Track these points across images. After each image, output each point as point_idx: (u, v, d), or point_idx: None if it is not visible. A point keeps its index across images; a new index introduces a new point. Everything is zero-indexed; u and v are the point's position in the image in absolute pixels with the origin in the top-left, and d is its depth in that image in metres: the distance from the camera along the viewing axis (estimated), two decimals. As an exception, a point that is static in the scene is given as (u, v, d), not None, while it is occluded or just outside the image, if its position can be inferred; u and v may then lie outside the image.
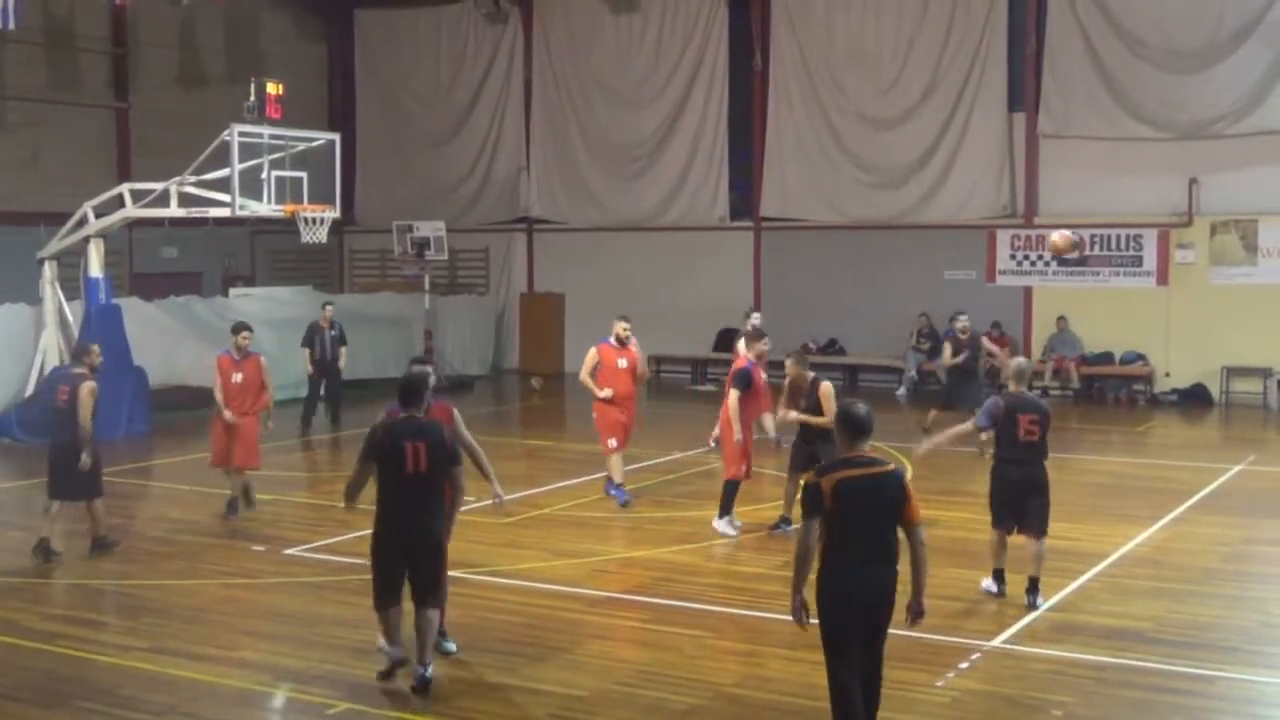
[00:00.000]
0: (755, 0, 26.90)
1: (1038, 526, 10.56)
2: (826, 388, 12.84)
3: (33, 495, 16.23)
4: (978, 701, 8.46)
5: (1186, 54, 23.27)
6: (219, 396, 14.08)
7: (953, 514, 14.02)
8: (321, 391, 21.02)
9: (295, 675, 9.05)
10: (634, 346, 14.87)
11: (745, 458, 13.27)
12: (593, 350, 14.95)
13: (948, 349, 18.37)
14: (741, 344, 14.47)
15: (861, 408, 7.24)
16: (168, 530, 13.68)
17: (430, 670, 8.67)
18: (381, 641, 8.90)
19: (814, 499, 7.00)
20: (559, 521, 14.09)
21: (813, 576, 7.15)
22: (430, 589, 8.69)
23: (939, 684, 8.74)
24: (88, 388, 12.29)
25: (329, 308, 21.28)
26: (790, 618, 7.28)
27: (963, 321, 18.20)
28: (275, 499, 15.05)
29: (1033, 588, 10.55)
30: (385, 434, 8.66)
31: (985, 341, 19.31)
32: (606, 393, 14.58)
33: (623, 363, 14.74)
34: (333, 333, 20.85)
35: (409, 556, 8.64)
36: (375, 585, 8.76)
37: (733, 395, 13.07)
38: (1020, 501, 10.56)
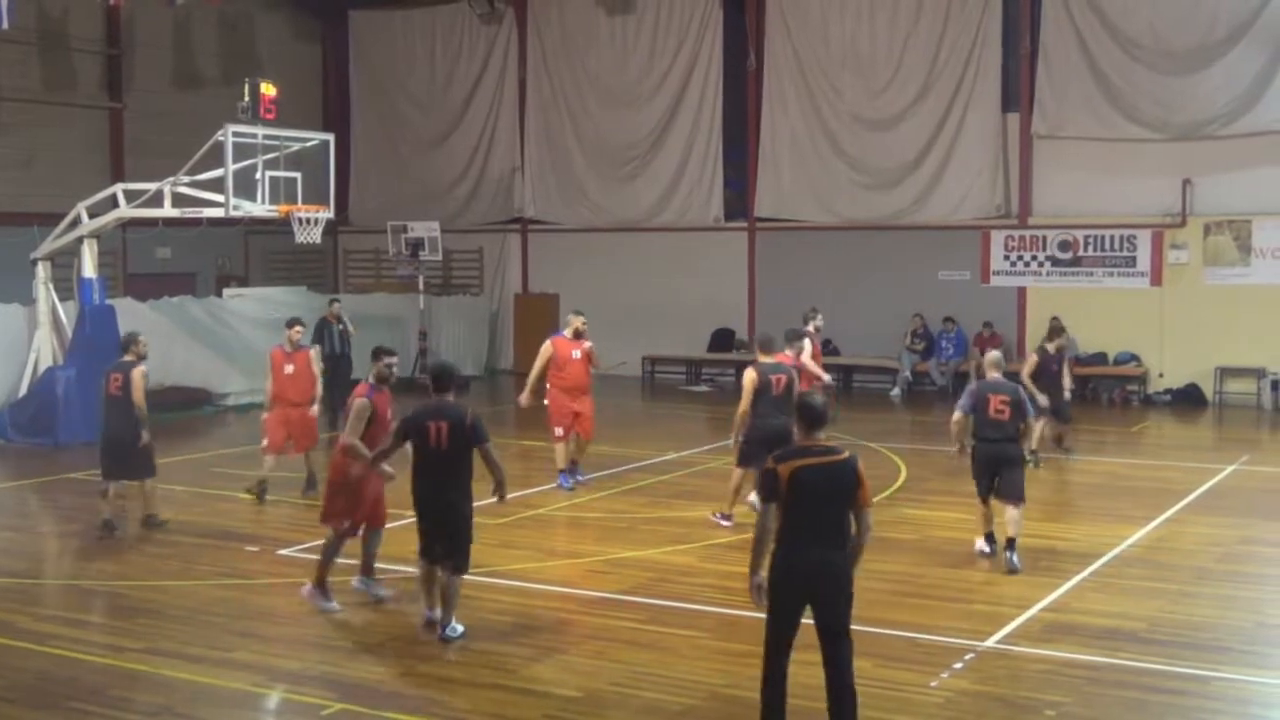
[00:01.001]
0: (750, 1, 26.91)
1: (1014, 495, 11.72)
2: (745, 374, 13.43)
3: (26, 495, 16.25)
4: (971, 702, 8.46)
5: (1180, 55, 23.29)
6: (270, 388, 15.04)
7: (949, 514, 14.03)
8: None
9: (290, 676, 9.04)
10: (586, 339, 15.61)
11: None
12: (547, 343, 15.66)
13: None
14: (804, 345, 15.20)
15: (818, 399, 7.68)
16: (161, 531, 13.63)
17: (453, 628, 9.67)
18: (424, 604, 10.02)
19: (771, 485, 7.36)
20: (554, 522, 14.09)
21: None
22: (448, 553, 9.62)
23: (933, 684, 8.74)
24: (139, 371, 13.29)
25: (336, 304, 21.62)
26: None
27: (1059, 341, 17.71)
28: (271, 499, 15.04)
29: (1010, 546, 11.65)
30: (412, 415, 9.66)
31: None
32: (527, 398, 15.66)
33: (576, 354, 15.50)
34: (340, 327, 21.06)
35: (436, 525, 9.67)
36: (420, 541, 9.90)
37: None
38: (996, 473, 11.80)
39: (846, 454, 7.53)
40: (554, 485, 15.55)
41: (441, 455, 9.55)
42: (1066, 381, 17.75)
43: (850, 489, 7.42)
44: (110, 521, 13.38)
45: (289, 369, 15.01)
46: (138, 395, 13.27)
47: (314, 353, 15.66)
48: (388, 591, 10.91)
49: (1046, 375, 17.04)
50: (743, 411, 13.04)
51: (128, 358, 13.53)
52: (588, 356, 15.56)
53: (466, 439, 9.58)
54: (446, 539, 9.64)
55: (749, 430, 13.01)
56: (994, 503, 11.92)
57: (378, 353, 10.97)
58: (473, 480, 9.78)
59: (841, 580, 7.41)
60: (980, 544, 12.19)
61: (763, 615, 7.56)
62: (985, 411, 11.78)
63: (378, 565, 11.03)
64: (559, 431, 15.44)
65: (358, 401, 10.44)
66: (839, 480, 7.40)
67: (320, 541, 12.73)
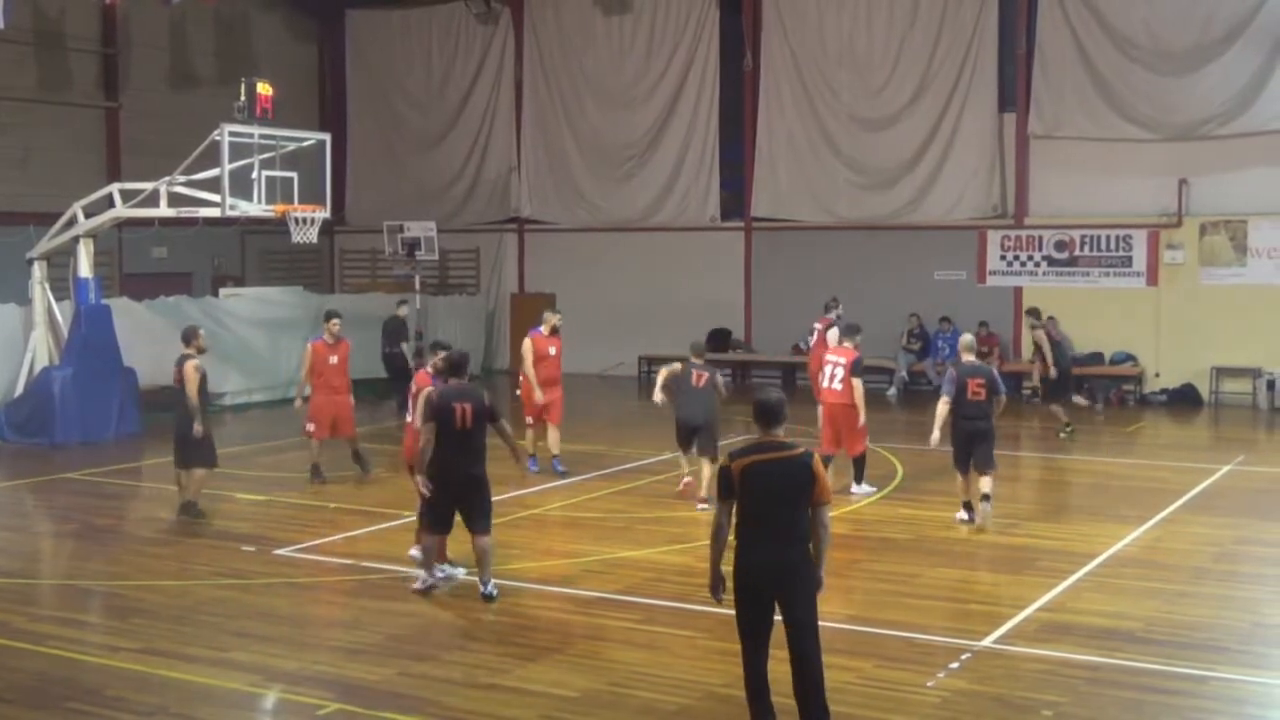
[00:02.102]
0: (746, 1, 26.92)
1: (987, 465, 13.39)
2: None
3: (22, 495, 16.24)
4: (968, 702, 8.46)
5: (1176, 55, 23.31)
6: (306, 379, 16.02)
7: (945, 514, 14.03)
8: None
9: (286, 676, 9.03)
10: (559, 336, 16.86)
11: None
12: (527, 341, 16.59)
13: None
14: (834, 336, 15.96)
15: (773, 395, 7.65)
16: (158, 531, 13.65)
17: (491, 587, 10.61)
18: (420, 564, 10.98)
19: (725, 482, 7.46)
20: (550, 522, 14.09)
21: None
22: (477, 518, 10.58)
23: (929, 684, 8.74)
24: (191, 365, 13.58)
25: (404, 305, 22.99)
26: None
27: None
28: (268, 499, 15.04)
29: (985, 499, 13.22)
30: (439, 398, 10.57)
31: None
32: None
33: (552, 350, 16.58)
34: (408, 328, 22.62)
35: (463, 492, 10.55)
36: (430, 516, 10.75)
37: (858, 383, 14.65)
38: (972, 448, 13.33)
39: (802, 450, 7.52)
40: (552, 486, 15.58)
41: (466, 434, 10.47)
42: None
43: (805, 485, 7.39)
44: (190, 503, 13.82)
45: (333, 359, 15.99)
46: (189, 388, 13.60)
47: (349, 344, 16.50)
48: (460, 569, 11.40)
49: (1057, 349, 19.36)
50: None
51: (187, 351, 13.79)
52: (558, 356, 16.74)
53: (486, 417, 10.62)
54: (475, 508, 10.60)
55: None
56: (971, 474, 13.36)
57: (434, 346, 12.22)
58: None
59: (799, 576, 7.38)
60: (961, 514, 13.54)
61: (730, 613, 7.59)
62: (964, 393, 13.27)
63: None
64: (529, 420, 16.54)
65: (425, 391, 11.22)
66: (793, 477, 7.39)
67: (313, 542, 12.76)
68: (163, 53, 27.91)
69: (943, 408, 13.34)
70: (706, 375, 14.56)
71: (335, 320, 16.27)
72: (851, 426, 14.82)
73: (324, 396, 15.96)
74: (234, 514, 14.38)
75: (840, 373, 14.76)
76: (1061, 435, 19.54)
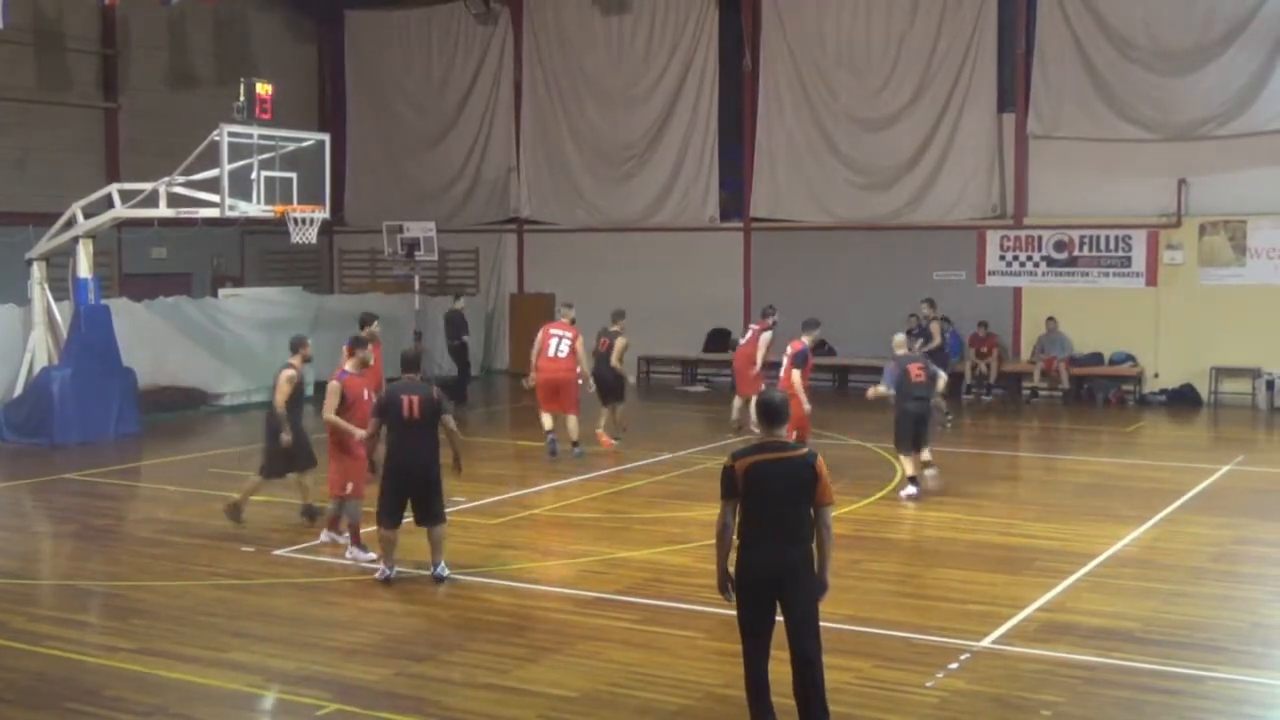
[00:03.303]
0: (746, 1, 26.92)
1: (928, 440, 15.00)
2: None
3: (21, 496, 16.23)
4: (967, 702, 8.47)
5: (1175, 55, 23.31)
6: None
7: (944, 514, 14.05)
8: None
9: (285, 676, 9.03)
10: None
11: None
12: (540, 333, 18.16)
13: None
14: (766, 340, 18.99)
15: (776, 395, 7.72)
16: (156, 531, 13.64)
17: (443, 568, 11.19)
18: (377, 559, 11.41)
19: (729, 482, 7.44)
20: (549, 522, 14.09)
21: None
22: (434, 513, 11.11)
23: (928, 684, 8.74)
24: (284, 375, 13.22)
25: (462, 300, 24.24)
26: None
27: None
28: (267, 500, 15.04)
29: (928, 466, 14.87)
30: (388, 393, 11.22)
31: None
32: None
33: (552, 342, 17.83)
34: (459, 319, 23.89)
35: (419, 487, 11.07)
36: (382, 508, 11.11)
37: (795, 373, 15.68)
38: (916, 429, 14.83)
39: (805, 450, 7.55)
40: (552, 486, 15.61)
41: (415, 424, 10.96)
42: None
43: (808, 485, 7.40)
44: (309, 506, 13.59)
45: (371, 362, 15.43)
46: (277, 396, 13.21)
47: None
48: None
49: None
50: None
51: (291, 359, 13.37)
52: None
53: (435, 411, 11.05)
54: (426, 499, 11.08)
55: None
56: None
57: (360, 341, 12.77)
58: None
59: (801, 576, 7.39)
60: (909, 489, 14.72)
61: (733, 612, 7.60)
62: (908, 379, 14.83)
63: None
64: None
65: (331, 384, 12.23)
66: (795, 476, 7.40)
67: (311, 542, 12.76)
68: (162, 53, 27.91)
69: (882, 390, 15.19)
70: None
71: (375, 323, 15.75)
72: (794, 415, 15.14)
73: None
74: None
75: (784, 362, 16.03)
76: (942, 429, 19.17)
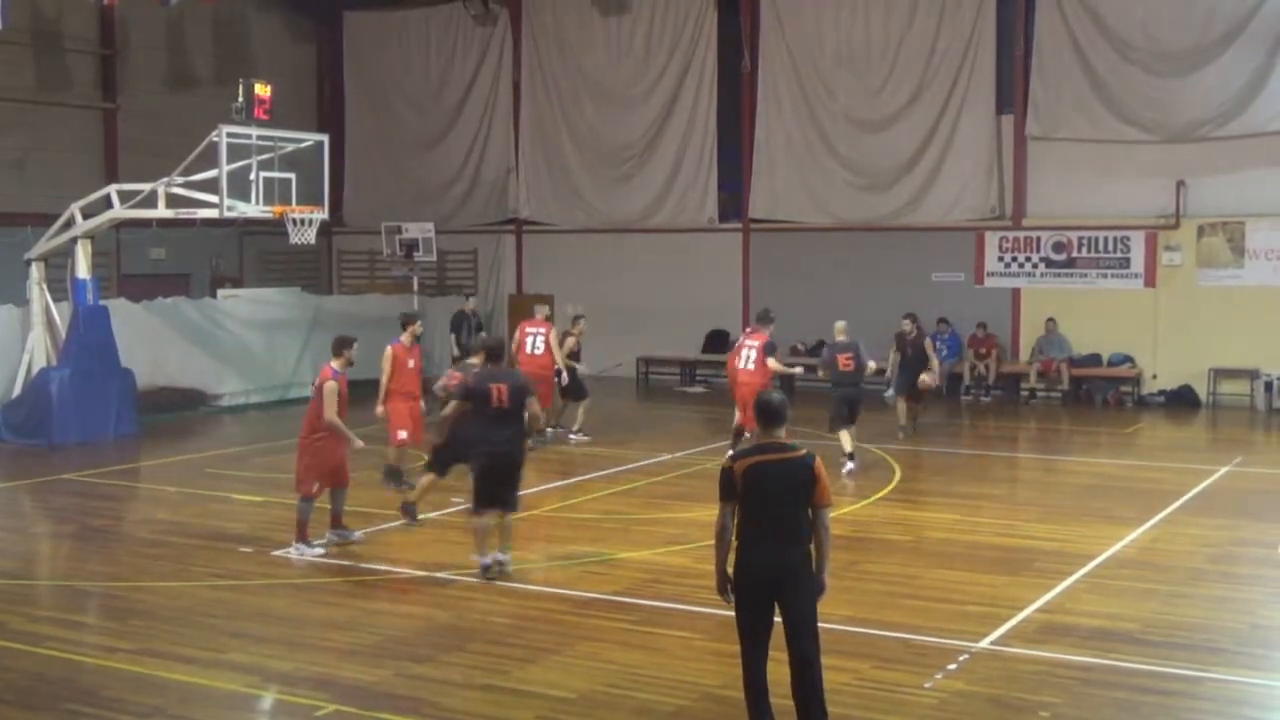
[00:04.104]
0: (744, 2, 26.92)
1: (855, 421, 16.70)
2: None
3: (20, 496, 16.21)
4: (965, 703, 8.47)
5: (1174, 56, 23.32)
6: (387, 383, 15.10)
7: (943, 515, 14.06)
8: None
9: (283, 677, 9.03)
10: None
11: None
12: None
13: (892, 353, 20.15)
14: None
15: (775, 396, 7.71)
16: (155, 532, 13.63)
17: (508, 558, 11.42)
18: (475, 555, 11.43)
19: (727, 483, 7.45)
20: (548, 523, 14.08)
21: None
22: (514, 500, 11.40)
23: (926, 685, 8.75)
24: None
25: (472, 299, 23.99)
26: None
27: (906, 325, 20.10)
28: (265, 500, 15.05)
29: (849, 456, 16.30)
30: (476, 380, 11.43)
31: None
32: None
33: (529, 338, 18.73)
34: (475, 320, 22.96)
35: (505, 472, 11.30)
36: (478, 497, 11.33)
37: (771, 360, 16.39)
38: (848, 410, 16.58)
39: (804, 451, 7.55)
40: (551, 486, 15.64)
41: (504, 412, 11.16)
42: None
43: (806, 486, 7.41)
44: (410, 506, 13.63)
45: (411, 363, 15.40)
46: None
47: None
48: (359, 534, 12.66)
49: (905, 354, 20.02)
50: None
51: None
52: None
53: (522, 398, 11.29)
54: (513, 485, 11.38)
55: None
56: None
57: (349, 341, 12.75)
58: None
59: (800, 577, 7.40)
60: (849, 464, 16.22)
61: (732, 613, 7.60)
62: (837, 367, 16.67)
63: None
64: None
65: (328, 384, 12.17)
66: (794, 478, 7.41)
67: (317, 541, 12.76)
68: (161, 54, 27.90)
69: (804, 368, 18.01)
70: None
71: (417, 322, 15.95)
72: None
73: (403, 402, 15.14)
74: (231, 515, 14.38)
75: (754, 354, 16.42)
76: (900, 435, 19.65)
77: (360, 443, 12.32)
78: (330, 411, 12.18)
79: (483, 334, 22.24)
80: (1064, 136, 24.33)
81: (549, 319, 19.09)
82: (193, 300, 24.43)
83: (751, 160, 27.05)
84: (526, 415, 11.47)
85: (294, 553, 12.37)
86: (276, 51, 29.79)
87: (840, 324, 17.35)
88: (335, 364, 12.52)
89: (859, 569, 11.71)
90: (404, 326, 15.60)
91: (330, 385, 12.24)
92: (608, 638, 9.85)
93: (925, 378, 19.54)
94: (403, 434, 15.09)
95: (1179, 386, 23.75)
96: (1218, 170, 23.32)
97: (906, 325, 20.10)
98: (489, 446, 11.22)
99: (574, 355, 19.39)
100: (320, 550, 12.38)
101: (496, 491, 11.25)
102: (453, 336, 22.78)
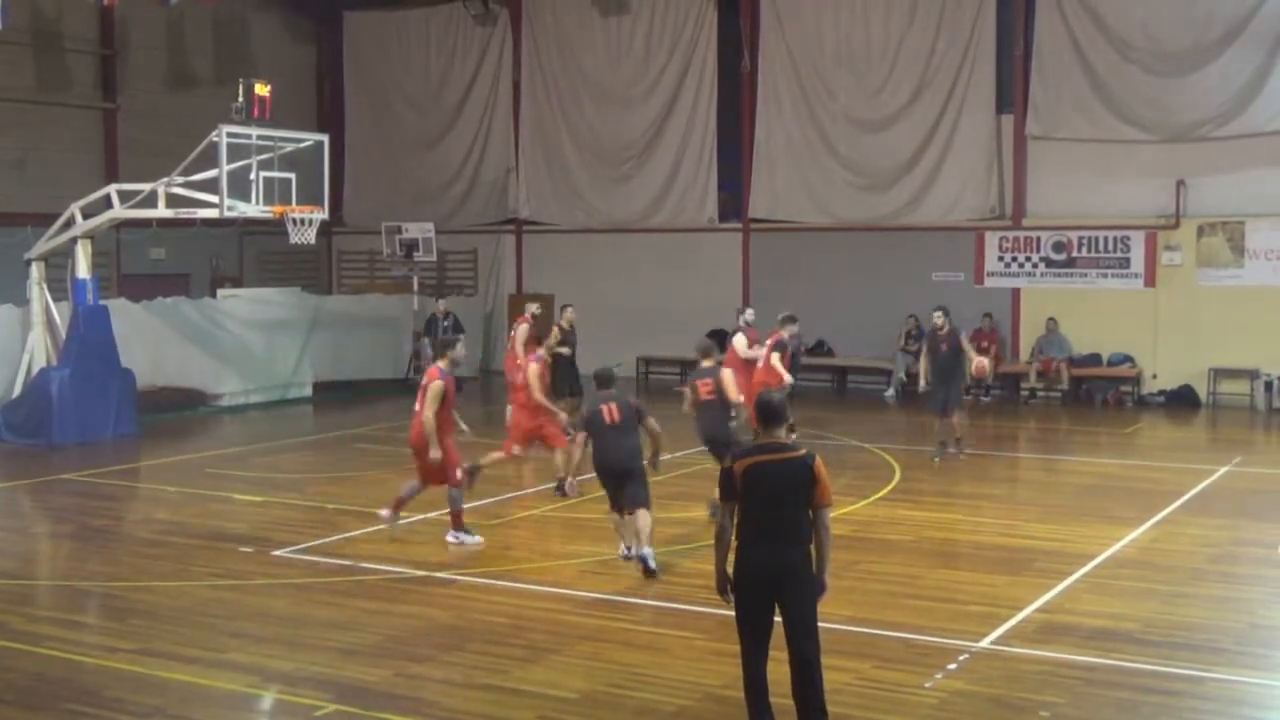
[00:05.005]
0: (744, 2, 26.92)
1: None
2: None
3: (20, 496, 16.20)
4: (966, 702, 8.47)
5: (1174, 56, 23.31)
6: (541, 394, 15.03)
7: (943, 515, 14.05)
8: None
9: (283, 677, 9.02)
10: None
11: None
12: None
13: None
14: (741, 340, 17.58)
15: (775, 396, 7.73)
16: (155, 532, 13.63)
17: (647, 553, 11.52)
18: (621, 547, 12.15)
19: (728, 483, 7.47)
20: (549, 523, 14.08)
21: None
22: (630, 498, 11.87)
23: (927, 685, 8.74)
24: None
25: (442, 302, 23.54)
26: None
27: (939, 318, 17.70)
28: (265, 500, 15.04)
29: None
30: (589, 405, 12.35)
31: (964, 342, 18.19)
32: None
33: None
34: (446, 323, 22.59)
35: (616, 478, 11.95)
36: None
37: (775, 356, 16.25)
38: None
39: (804, 451, 7.55)
40: (550, 486, 15.62)
41: (616, 427, 11.87)
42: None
43: (806, 486, 7.40)
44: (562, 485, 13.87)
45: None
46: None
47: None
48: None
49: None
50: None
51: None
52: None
53: (633, 416, 12.03)
54: (627, 488, 11.91)
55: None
56: None
57: (451, 343, 13.08)
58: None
59: (800, 577, 7.39)
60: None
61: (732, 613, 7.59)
62: (698, 393, 14.06)
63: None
64: None
65: (434, 384, 12.40)
66: (794, 478, 7.41)
67: (310, 543, 12.77)
68: (161, 54, 27.91)
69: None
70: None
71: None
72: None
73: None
74: (231, 515, 14.37)
75: (763, 353, 16.40)
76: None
77: (438, 453, 12.42)
78: (429, 411, 12.34)
79: (460, 335, 22.39)
80: (1064, 136, 24.33)
81: (534, 316, 18.30)
82: (192, 300, 24.44)
83: (751, 160, 27.05)
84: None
85: (451, 539, 12.72)
86: (276, 51, 29.79)
87: (783, 312, 17.24)
88: (441, 364, 12.73)
89: (859, 569, 11.71)
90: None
91: (435, 385, 12.41)
92: (608, 638, 9.85)
93: (982, 361, 17.85)
94: (565, 447, 14.47)
95: (1179, 386, 23.75)
96: (1218, 170, 23.32)
97: (939, 320, 17.69)
98: (600, 457, 12.02)
99: (564, 343, 18.99)
100: (479, 540, 12.67)
101: (613, 494, 12.01)
102: (426, 340, 22.43)
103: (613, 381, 12.59)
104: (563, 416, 15.33)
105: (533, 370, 15.02)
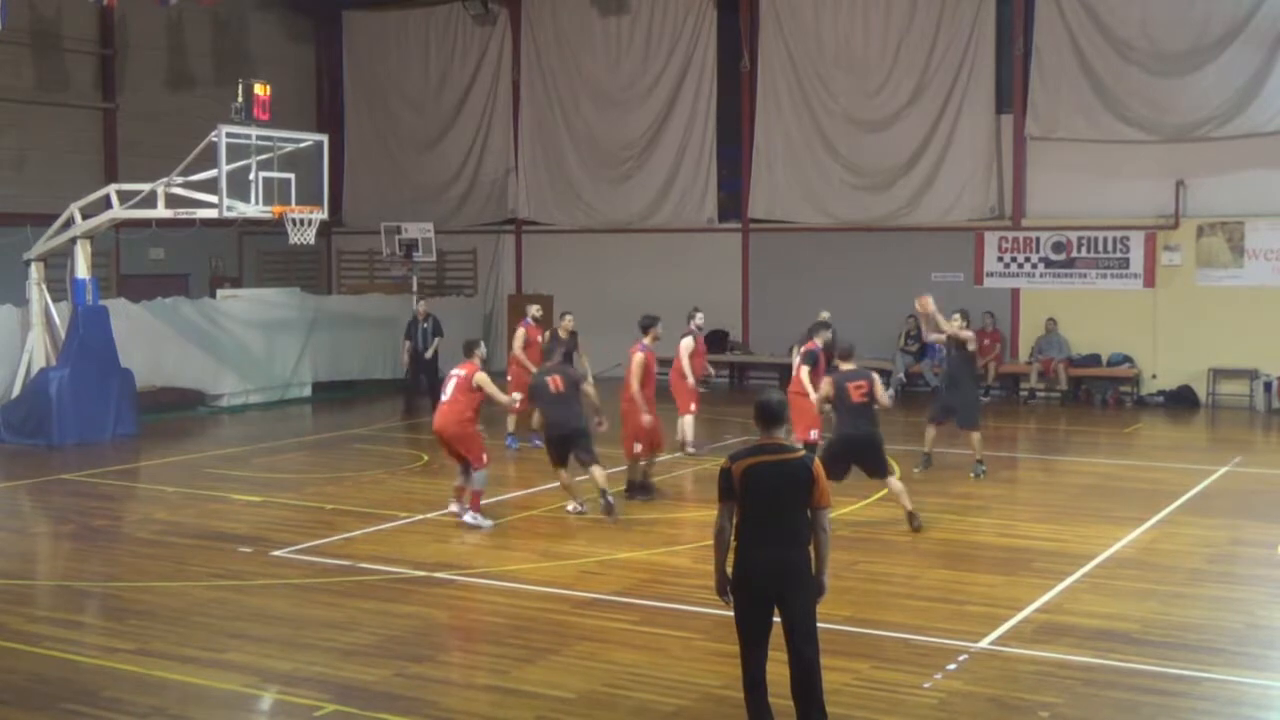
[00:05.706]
0: (744, 2, 26.92)
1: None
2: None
3: (19, 496, 16.20)
4: (965, 703, 8.47)
5: (1173, 57, 23.32)
6: (639, 390, 15.03)
7: (943, 516, 14.04)
8: (424, 383, 22.14)
9: (282, 677, 9.02)
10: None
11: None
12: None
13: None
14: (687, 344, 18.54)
15: (774, 397, 7.70)
16: (154, 532, 13.62)
17: (609, 494, 13.55)
18: (571, 504, 13.80)
19: (725, 484, 7.47)
20: (548, 523, 14.08)
21: None
22: (581, 458, 13.64)
23: (926, 685, 8.75)
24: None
25: (422, 303, 22.99)
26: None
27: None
28: (264, 500, 15.04)
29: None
30: (536, 377, 14.05)
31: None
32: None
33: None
34: (426, 325, 22.20)
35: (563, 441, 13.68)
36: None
37: (805, 370, 15.26)
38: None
39: (801, 452, 7.59)
40: (550, 486, 15.60)
41: (561, 396, 13.82)
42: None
43: (804, 488, 7.41)
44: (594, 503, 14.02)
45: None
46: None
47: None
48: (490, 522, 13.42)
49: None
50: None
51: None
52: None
53: (575, 385, 13.98)
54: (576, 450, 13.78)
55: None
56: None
57: (655, 320, 15.60)
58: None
59: (799, 578, 7.40)
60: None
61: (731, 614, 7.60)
62: (848, 396, 13.31)
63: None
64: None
65: (636, 356, 14.82)
66: (792, 479, 7.41)
67: (309, 543, 12.78)
68: (160, 54, 27.90)
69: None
70: (866, 384, 13.35)
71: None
72: (801, 410, 14.46)
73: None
74: (230, 515, 14.37)
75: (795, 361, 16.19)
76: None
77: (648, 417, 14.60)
78: (636, 381, 14.55)
79: (436, 339, 22.32)
80: (1063, 136, 24.33)
81: (535, 319, 18.88)
82: (192, 300, 24.42)
83: (750, 160, 27.04)
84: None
85: (469, 519, 13.42)
86: (275, 51, 29.79)
87: (639, 356, 15.24)
88: (646, 340, 15.06)
89: (859, 569, 11.71)
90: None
91: (638, 357, 14.67)
92: (607, 638, 9.85)
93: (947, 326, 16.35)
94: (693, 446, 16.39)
95: (1178, 387, 23.75)
96: (1217, 170, 23.32)
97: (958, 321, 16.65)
98: (549, 422, 13.81)
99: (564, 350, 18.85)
100: (491, 524, 13.39)
101: (560, 455, 13.81)
102: (407, 343, 22.12)
103: (553, 355, 14.47)
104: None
105: (637, 360, 15.13)
